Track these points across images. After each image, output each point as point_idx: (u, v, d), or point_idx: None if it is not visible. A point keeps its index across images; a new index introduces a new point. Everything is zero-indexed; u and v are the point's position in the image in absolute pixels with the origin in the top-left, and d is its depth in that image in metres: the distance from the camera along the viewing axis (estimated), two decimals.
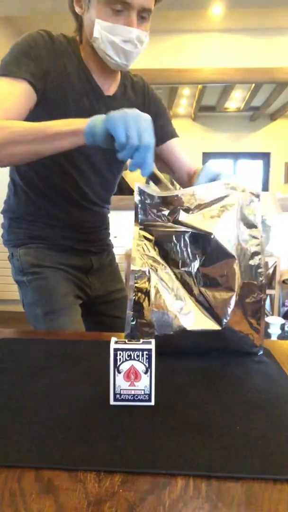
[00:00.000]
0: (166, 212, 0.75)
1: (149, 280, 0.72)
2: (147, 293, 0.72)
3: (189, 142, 6.76)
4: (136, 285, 0.72)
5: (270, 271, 3.17)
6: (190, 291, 0.73)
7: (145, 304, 0.72)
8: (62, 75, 0.94)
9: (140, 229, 0.75)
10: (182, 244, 0.73)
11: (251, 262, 0.75)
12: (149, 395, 0.57)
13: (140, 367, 0.56)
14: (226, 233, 0.73)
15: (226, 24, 3.90)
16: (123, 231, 3.53)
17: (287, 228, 3.38)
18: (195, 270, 0.73)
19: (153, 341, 0.58)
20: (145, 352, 0.56)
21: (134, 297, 0.72)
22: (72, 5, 0.94)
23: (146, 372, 0.57)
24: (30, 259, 1.08)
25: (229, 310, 0.72)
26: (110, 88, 1.03)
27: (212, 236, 0.72)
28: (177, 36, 4.09)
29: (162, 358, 0.74)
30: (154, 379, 0.57)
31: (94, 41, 0.91)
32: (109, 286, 1.21)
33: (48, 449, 0.48)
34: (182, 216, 0.74)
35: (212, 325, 0.72)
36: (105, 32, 0.87)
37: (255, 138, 7.53)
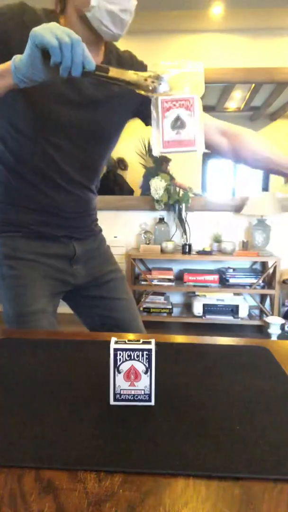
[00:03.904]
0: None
1: None
2: None
3: None
4: None
5: (270, 271, 3.17)
6: None
7: None
8: None
9: None
10: None
11: None
12: (149, 395, 0.57)
13: (140, 367, 0.56)
14: None
15: (226, 24, 3.90)
16: (123, 231, 3.53)
17: (287, 228, 3.38)
18: None
19: (153, 341, 0.58)
20: (145, 352, 0.56)
21: None
22: None
23: (146, 372, 0.57)
24: (6, 250, 1.05)
25: None
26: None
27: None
28: (177, 36, 4.09)
29: (162, 358, 0.74)
30: (154, 379, 0.57)
31: (89, 10, 0.90)
32: (99, 270, 1.17)
33: (48, 449, 0.48)
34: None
35: None
36: (103, 1, 0.88)
37: None
